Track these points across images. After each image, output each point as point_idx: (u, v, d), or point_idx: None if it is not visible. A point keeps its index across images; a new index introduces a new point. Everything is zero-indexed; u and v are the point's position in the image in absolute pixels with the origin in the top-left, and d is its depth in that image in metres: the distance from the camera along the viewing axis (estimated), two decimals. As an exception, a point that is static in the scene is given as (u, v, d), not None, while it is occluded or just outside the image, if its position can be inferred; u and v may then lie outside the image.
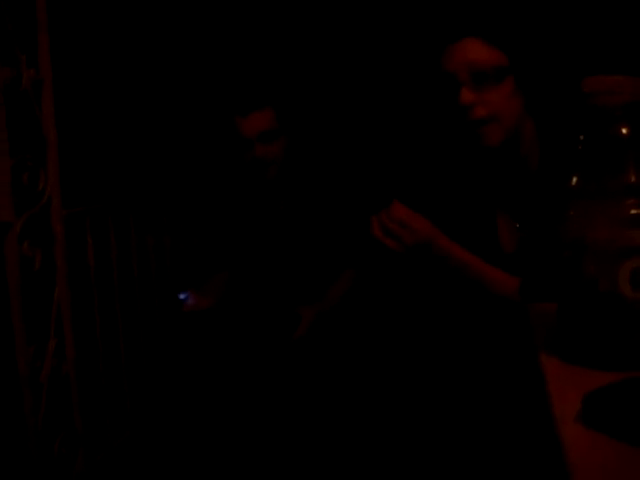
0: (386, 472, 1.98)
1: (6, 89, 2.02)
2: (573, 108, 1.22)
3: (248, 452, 2.37)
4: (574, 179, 1.16)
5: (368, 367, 2.23)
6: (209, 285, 2.71)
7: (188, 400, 2.62)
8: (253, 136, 2.55)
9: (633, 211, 1.11)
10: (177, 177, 3.19)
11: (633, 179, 1.12)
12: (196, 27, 3.20)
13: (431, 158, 2.18)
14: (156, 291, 3.03)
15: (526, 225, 1.82)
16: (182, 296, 2.63)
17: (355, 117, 3.14)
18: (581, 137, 1.17)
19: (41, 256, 2.18)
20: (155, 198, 3.05)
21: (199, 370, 2.57)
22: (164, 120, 3.17)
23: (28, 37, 2.11)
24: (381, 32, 3.11)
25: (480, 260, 1.71)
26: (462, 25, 1.68)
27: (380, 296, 2.39)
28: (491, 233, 1.88)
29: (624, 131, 1.15)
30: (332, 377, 2.34)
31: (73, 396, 2.34)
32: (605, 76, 1.19)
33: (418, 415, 1.85)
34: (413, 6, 2.96)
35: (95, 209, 2.64)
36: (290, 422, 2.37)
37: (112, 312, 2.74)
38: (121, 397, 2.79)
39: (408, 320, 2.04)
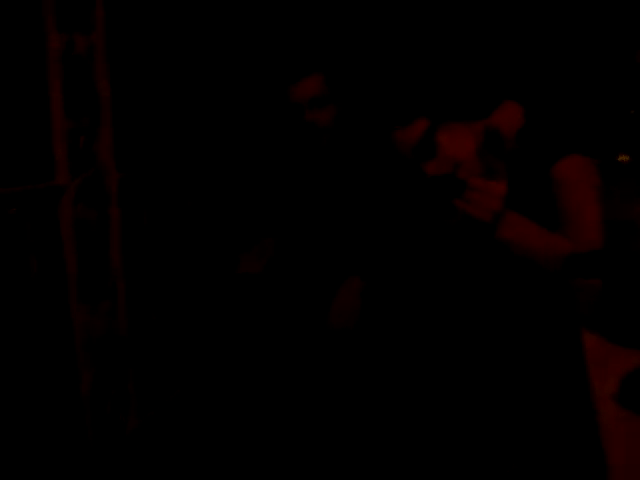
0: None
1: (61, 54, 2.05)
2: (622, 82, 1.19)
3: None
4: (621, 156, 1.14)
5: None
6: (257, 249, 2.72)
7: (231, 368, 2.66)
8: (304, 101, 2.55)
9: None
10: (227, 142, 3.20)
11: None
12: None
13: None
14: (208, 252, 3.06)
15: None
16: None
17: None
18: (631, 112, 1.14)
19: (96, 218, 2.23)
20: (205, 162, 3.07)
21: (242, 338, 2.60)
22: (214, 86, 3.18)
23: (82, 3, 2.13)
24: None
25: (549, 231, 1.68)
26: None
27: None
28: None
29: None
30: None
31: (126, 356, 2.40)
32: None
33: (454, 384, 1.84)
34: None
35: (149, 172, 2.67)
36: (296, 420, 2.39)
37: (165, 274, 2.78)
38: (171, 357, 2.84)
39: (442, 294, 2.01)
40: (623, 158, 1.13)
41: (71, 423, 2.20)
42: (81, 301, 2.20)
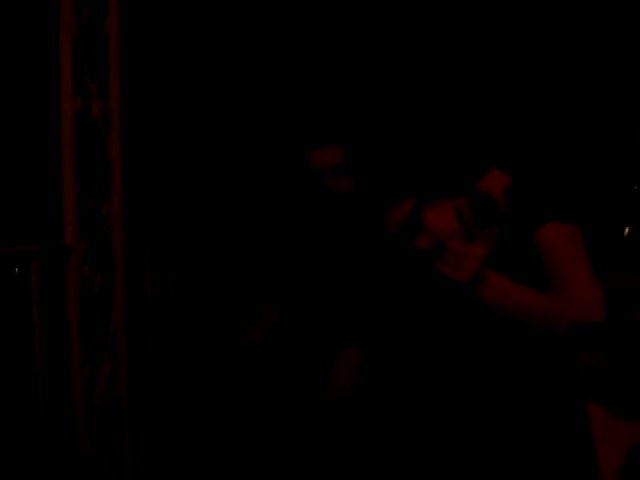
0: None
1: (77, 118, 2.10)
2: (627, 159, 1.22)
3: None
4: (626, 229, 1.16)
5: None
6: (261, 317, 2.73)
7: (235, 430, 2.64)
8: (325, 168, 2.58)
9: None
10: (237, 208, 3.24)
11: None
12: (266, 60, 3.27)
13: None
14: (211, 321, 3.07)
15: None
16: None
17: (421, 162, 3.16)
18: (635, 187, 1.17)
19: (100, 280, 2.24)
20: (213, 228, 3.10)
21: (247, 401, 2.59)
22: (226, 153, 3.23)
23: (99, 67, 2.19)
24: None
25: (535, 291, 1.69)
26: None
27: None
28: None
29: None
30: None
31: (124, 419, 2.38)
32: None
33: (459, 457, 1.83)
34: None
35: (154, 237, 2.69)
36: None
37: (166, 340, 2.78)
38: (171, 423, 2.82)
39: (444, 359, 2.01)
40: (626, 230, 1.15)
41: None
42: (82, 363, 2.19)
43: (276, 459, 2.49)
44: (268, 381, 2.58)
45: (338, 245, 2.70)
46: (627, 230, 1.14)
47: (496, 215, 1.81)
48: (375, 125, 3.17)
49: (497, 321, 1.71)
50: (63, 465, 2.17)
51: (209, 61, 3.14)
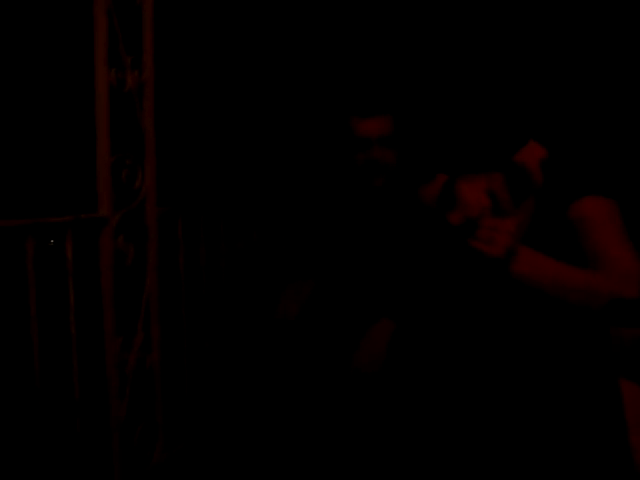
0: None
1: (112, 90, 2.11)
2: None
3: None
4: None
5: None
6: (294, 292, 2.73)
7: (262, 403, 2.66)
8: (373, 137, 2.57)
9: None
10: (272, 180, 3.23)
11: None
12: (319, 30, 3.25)
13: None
14: (243, 292, 3.09)
15: None
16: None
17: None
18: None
19: (134, 251, 2.26)
20: (246, 200, 3.11)
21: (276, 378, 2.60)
22: (264, 122, 3.22)
23: (134, 39, 2.19)
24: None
25: (571, 266, 1.67)
26: None
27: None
28: None
29: None
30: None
31: (156, 389, 2.41)
32: None
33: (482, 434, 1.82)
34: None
35: (187, 208, 2.71)
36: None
37: (199, 310, 2.81)
38: (203, 393, 2.85)
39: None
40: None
41: (98, 454, 2.20)
42: (116, 333, 2.22)
43: (303, 431, 2.51)
44: (301, 356, 2.59)
45: (373, 218, 2.69)
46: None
47: (531, 188, 1.79)
48: (421, 100, 3.16)
49: (530, 296, 1.70)
50: (96, 434, 2.21)
51: (247, 29, 3.13)
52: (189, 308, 2.72)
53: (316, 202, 2.84)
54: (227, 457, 2.65)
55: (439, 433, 1.93)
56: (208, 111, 3.02)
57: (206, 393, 2.88)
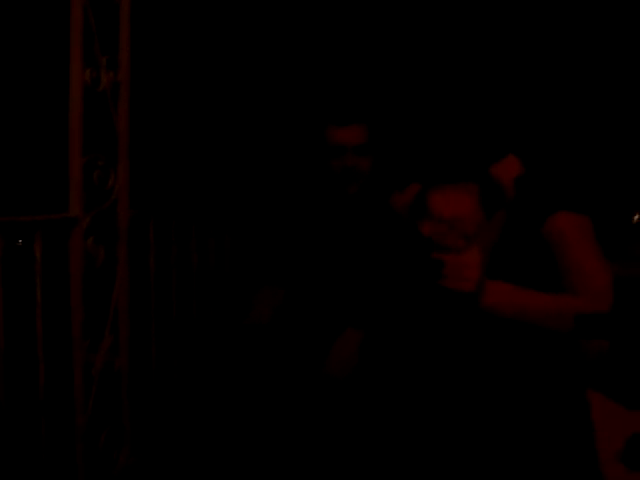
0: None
1: (86, 89, 2.09)
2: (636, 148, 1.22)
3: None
4: (637, 216, 1.15)
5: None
6: (265, 298, 2.72)
7: (228, 406, 2.64)
8: (348, 145, 2.58)
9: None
10: (246, 184, 3.22)
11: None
12: (293, 38, 3.24)
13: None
14: (216, 296, 3.07)
15: None
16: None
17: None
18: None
19: (104, 253, 2.24)
20: (219, 204, 3.09)
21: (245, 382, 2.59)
22: (238, 126, 3.21)
23: (110, 39, 2.17)
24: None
25: (539, 293, 1.68)
26: None
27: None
28: None
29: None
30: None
31: (123, 393, 2.38)
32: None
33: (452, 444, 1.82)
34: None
35: (159, 211, 2.69)
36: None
37: (169, 314, 2.78)
38: (172, 396, 2.82)
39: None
40: (636, 218, 1.14)
41: (62, 457, 2.17)
42: (83, 336, 2.19)
43: (274, 435, 2.50)
44: (272, 361, 2.58)
45: (345, 225, 2.69)
46: (636, 217, 1.13)
47: (503, 203, 1.81)
48: (398, 109, 3.16)
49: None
50: (61, 437, 2.18)
51: (224, 33, 3.11)
52: (159, 312, 2.70)
53: (289, 207, 2.84)
54: (195, 460, 2.63)
55: (409, 439, 1.93)
56: (182, 114, 3.01)
57: (175, 396, 2.86)
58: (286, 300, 2.69)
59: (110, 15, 2.17)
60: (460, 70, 3.17)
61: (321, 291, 2.67)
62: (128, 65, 2.26)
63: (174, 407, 2.85)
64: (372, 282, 2.56)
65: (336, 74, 3.26)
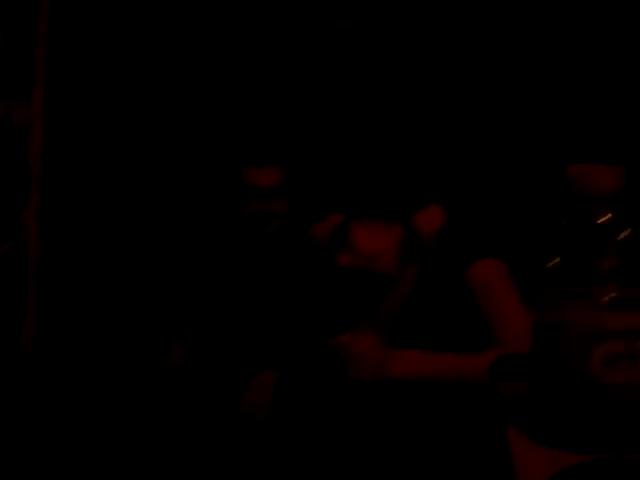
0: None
1: (-2, 122, 2.04)
2: (556, 194, 1.27)
3: None
4: (553, 262, 1.19)
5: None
6: (178, 339, 2.68)
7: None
8: (264, 188, 2.58)
9: (607, 296, 1.13)
10: (162, 222, 3.17)
11: (608, 265, 1.15)
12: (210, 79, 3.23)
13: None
14: (128, 338, 3.00)
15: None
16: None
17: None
18: (563, 222, 1.20)
19: (13, 291, 2.17)
20: (132, 241, 3.04)
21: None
22: (152, 161, 3.17)
23: (23, 72, 2.13)
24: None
25: (444, 356, 1.71)
26: None
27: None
28: None
29: (604, 218, 1.18)
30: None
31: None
32: (588, 165, 1.23)
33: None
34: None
35: (71, 249, 2.62)
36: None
37: (79, 358, 2.70)
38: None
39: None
40: (553, 263, 1.19)
41: None
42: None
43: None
44: (186, 402, 2.54)
45: (261, 266, 2.69)
46: (554, 262, 1.17)
47: (421, 252, 1.83)
48: (316, 151, 3.18)
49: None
50: None
51: (141, 69, 3.08)
52: (70, 355, 2.62)
53: (205, 247, 2.82)
54: None
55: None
56: (98, 146, 2.96)
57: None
58: (201, 341, 2.66)
59: (25, 49, 2.13)
60: (384, 118, 3.23)
61: (237, 331, 2.65)
62: (42, 99, 2.21)
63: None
64: (288, 322, 2.55)
65: (249, 115, 3.26)
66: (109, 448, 2.78)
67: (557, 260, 1.16)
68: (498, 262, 1.73)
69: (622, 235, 1.19)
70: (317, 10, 3.18)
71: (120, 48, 2.93)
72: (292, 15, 3.19)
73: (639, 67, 2.67)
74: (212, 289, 2.68)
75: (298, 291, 2.57)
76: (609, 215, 1.17)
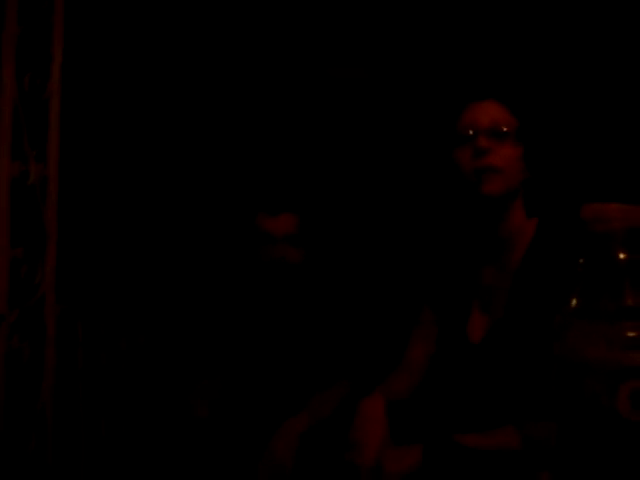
0: None
1: (14, 183, 2.05)
2: (574, 233, 1.26)
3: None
4: (574, 300, 1.18)
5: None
6: (203, 390, 2.65)
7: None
8: (279, 235, 2.57)
9: (630, 333, 1.12)
10: (175, 278, 3.17)
11: (630, 302, 1.15)
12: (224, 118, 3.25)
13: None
14: (149, 395, 2.97)
15: (499, 318, 1.86)
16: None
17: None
18: (581, 261, 1.20)
19: (29, 351, 2.16)
20: (151, 299, 3.03)
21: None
22: (168, 223, 3.18)
23: (39, 133, 2.15)
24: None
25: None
26: (489, 89, 1.96)
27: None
28: (462, 319, 1.93)
29: (621, 256, 1.18)
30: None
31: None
32: (603, 204, 1.23)
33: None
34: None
35: (89, 308, 2.62)
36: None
37: (97, 415, 2.68)
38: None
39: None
40: (574, 302, 1.17)
41: None
42: (7, 440, 2.09)
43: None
44: (214, 454, 2.49)
45: (278, 317, 2.67)
46: (574, 302, 1.16)
47: None
48: (332, 201, 3.18)
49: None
50: None
51: (155, 122, 3.11)
52: (89, 412, 2.59)
53: (222, 299, 2.81)
54: None
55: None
56: (113, 207, 2.98)
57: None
58: (224, 392, 2.63)
59: (39, 109, 2.15)
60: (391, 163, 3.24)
61: (260, 381, 2.62)
62: (57, 159, 2.23)
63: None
64: (311, 373, 2.53)
65: (264, 162, 3.28)
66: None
67: (578, 299, 1.14)
68: None
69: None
70: (332, 59, 3.22)
71: (133, 111, 2.98)
72: (308, 64, 3.23)
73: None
74: (234, 340, 2.66)
75: (316, 341, 2.56)
76: (625, 253, 1.15)
